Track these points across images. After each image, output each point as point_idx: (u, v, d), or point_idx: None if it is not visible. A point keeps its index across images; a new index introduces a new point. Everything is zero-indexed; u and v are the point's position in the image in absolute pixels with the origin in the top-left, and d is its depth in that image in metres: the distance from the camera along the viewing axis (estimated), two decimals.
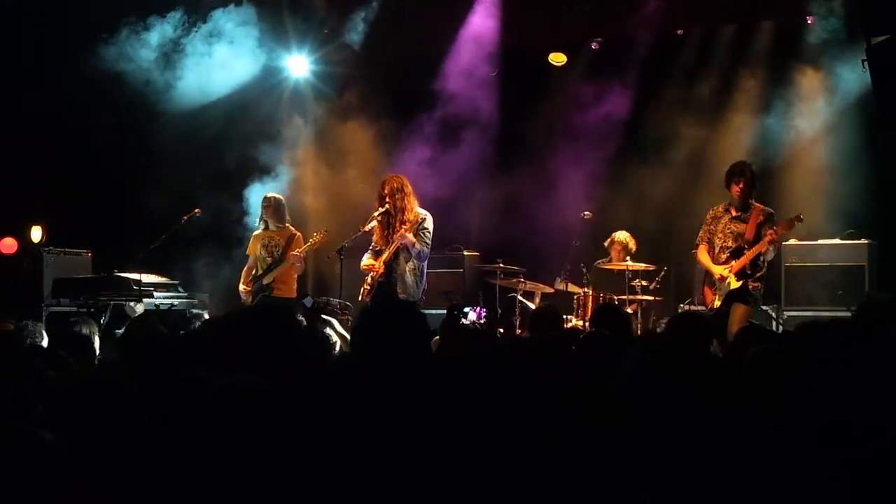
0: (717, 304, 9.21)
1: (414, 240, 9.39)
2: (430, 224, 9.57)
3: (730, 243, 9.23)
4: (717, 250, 9.33)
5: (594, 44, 12.83)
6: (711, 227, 9.43)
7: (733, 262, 9.17)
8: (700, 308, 9.67)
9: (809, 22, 11.44)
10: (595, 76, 12.48)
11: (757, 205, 9.32)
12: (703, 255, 9.47)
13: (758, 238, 9.12)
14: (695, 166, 11.82)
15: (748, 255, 9.10)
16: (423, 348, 3.80)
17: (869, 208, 10.82)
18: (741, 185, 9.21)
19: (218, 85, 12.28)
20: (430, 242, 9.58)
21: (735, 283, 9.11)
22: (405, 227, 9.40)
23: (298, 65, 13.50)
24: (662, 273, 11.02)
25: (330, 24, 13.11)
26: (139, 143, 12.24)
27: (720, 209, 9.45)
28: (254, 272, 10.38)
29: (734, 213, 9.30)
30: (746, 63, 11.86)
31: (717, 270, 9.25)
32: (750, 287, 9.13)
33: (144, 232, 10.84)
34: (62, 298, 10.62)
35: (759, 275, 9.20)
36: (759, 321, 9.07)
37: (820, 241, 10.96)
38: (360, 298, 9.67)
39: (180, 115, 12.09)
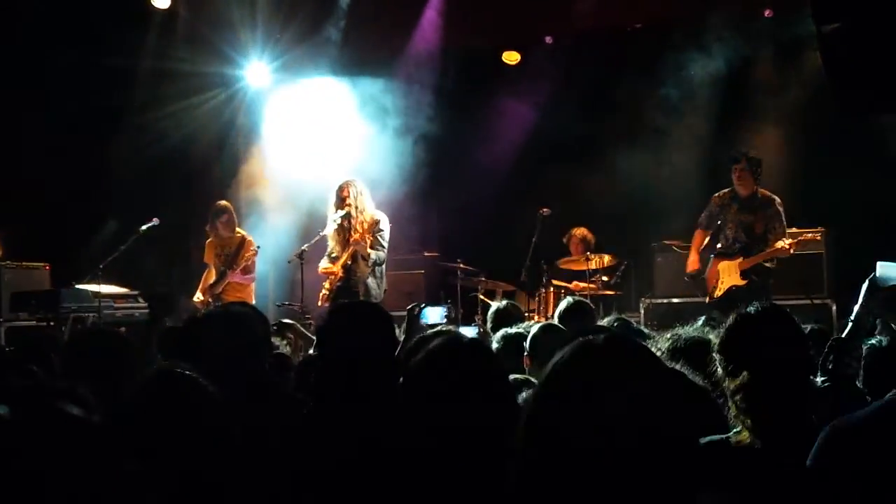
0: (718, 293, 9.12)
1: (369, 250, 9.32)
2: (385, 226, 9.60)
3: (742, 237, 9.11)
4: (728, 241, 9.20)
5: (548, 38, 12.59)
6: (720, 216, 9.28)
7: (741, 259, 9.06)
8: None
9: (767, 14, 11.27)
10: (549, 73, 12.36)
11: (764, 193, 9.20)
12: (696, 240, 9.46)
13: (765, 231, 9.01)
14: (652, 161, 11.71)
15: (759, 258, 8.99)
16: (390, 349, 3.80)
17: (826, 195, 10.67)
18: (738, 172, 9.09)
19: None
20: (386, 245, 9.54)
21: (739, 281, 9.00)
22: (361, 231, 9.34)
23: (258, 73, 13.07)
24: (622, 268, 11.01)
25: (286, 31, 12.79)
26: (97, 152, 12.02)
27: (726, 196, 9.30)
28: (211, 281, 10.34)
29: (741, 202, 9.16)
30: (704, 56, 11.64)
31: (690, 265, 9.38)
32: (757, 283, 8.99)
33: (103, 243, 10.65)
34: (20, 312, 10.19)
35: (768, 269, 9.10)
36: None
37: None
38: (318, 303, 9.64)
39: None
